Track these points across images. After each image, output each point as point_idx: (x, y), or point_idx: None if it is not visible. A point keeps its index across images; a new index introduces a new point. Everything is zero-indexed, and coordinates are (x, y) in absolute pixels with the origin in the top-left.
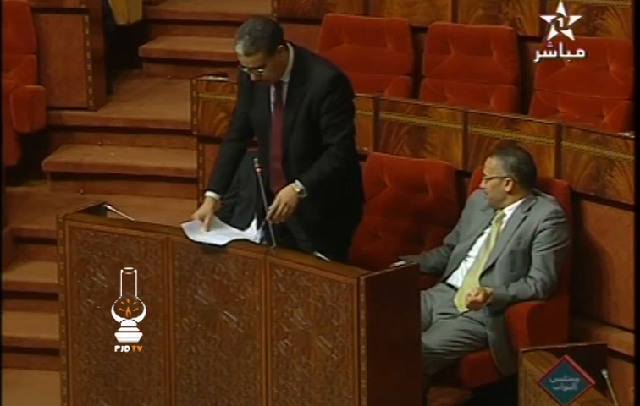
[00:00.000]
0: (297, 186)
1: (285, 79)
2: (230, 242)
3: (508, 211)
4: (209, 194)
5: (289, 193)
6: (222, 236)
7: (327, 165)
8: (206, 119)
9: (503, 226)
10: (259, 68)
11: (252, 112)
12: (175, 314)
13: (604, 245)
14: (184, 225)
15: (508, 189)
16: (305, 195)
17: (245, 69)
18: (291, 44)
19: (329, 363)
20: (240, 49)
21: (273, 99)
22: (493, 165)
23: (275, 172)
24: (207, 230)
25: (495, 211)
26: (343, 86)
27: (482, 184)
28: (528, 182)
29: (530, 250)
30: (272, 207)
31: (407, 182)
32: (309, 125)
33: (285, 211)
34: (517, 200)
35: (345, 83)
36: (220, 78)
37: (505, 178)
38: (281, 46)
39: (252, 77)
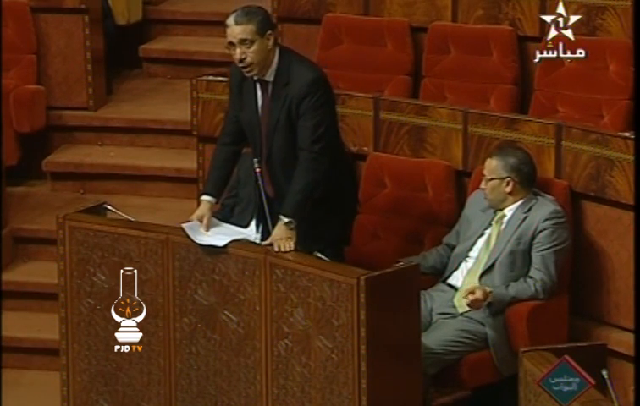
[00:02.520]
0: (283, 220)
1: (270, 78)
2: (231, 242)
3: (508, 211)
4: (204, 197)
5: (280, 228)
6: (222, 236)
7: (300, 183)
8: (206, 119)
9: (503, 226)
10: (247, 41)
11: (242, 114)
12: (175, 314)
13: (604, 245)
14: (184, 225)
15: (508, 189)
16: (295, 223)
17: (232, 50)
18: (277, 44)
19: (329, 363)
20: (231, 20)
21: (260, 101)
22: (493, 166)
23: (265, 173)
24: (207, 230)
25: (495, 211)
26: (322, 90)
27: (482, 185)
28: (528, 182)
29: (530, 250)
30: (275, 249)
31: (407, 182)
32: (290, 127)
33: (286, 244)
34: (517, 201)
35: (325, 86)
36: (220, 78)
37: (506, 178)
38: (271, 32)
39: (237, 55)
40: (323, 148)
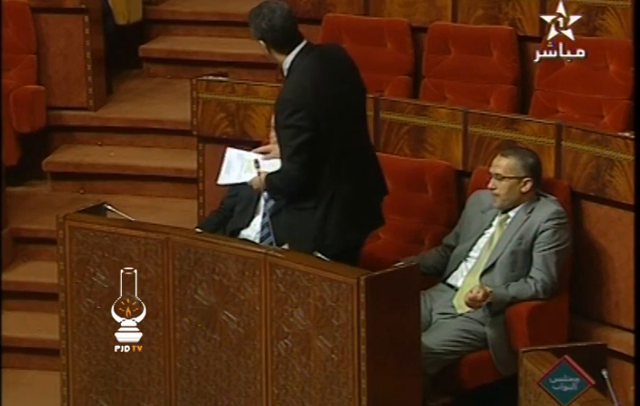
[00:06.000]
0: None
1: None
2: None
3: (512, 211)
4: None
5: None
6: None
7: (277, 178)
8: (206, 119)
9: (506, 226)
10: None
11: None
12: (175, 314)
13: (604, 245)
14: (231, 150)
15: (525, 189)
16: (264, 188)
17: None
18: (304, 44)
19: (329, 363)
20: None
21: None
22: (511, 164)
23: None
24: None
25: (499, 212)
26: (287, 113)
27: (491, 185)
28: (539, 184)
29: (531, 250)
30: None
31: (407, 182)
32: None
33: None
34: (525, 202)
35: (291, 109)
36: (220, 78)
37: (524, 178)
38: (264, 44)
39: None
40: (299, 168)
